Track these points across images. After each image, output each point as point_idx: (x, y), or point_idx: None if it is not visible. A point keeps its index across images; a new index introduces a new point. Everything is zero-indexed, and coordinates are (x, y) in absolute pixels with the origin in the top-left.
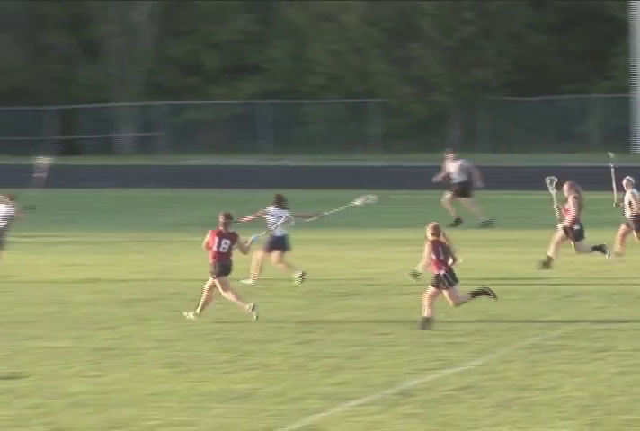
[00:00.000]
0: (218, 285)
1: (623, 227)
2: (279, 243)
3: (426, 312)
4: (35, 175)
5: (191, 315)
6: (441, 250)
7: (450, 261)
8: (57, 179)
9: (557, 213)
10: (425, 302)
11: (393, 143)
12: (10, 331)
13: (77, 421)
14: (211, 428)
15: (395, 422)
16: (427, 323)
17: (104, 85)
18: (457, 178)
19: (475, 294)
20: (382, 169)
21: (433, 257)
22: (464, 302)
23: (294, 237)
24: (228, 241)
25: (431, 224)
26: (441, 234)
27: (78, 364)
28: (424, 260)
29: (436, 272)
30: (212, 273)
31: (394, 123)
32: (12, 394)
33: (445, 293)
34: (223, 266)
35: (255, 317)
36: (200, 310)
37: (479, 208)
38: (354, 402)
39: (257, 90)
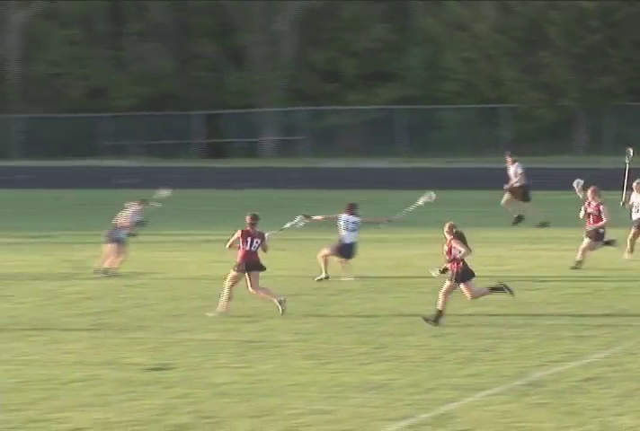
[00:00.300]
0: (249, 280)
1: (634, 230)
2: (345, 250)
3: (440, 306)
4: (151, 204)
5: (212, 314)
6: (454, 248)
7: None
8: (204, 180)
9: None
10: (441, 296)
11: (522, 146)
12: (159, 325)
13: (223, 410)
14: (349, 417)
15: (525, 411)
16: (439, 317)
17: (249, 91)
18: (516, 181)
19: (493, 289)
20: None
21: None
22: (482, 295)
23: (428, 235)
24: (259, 240)
25: (447, 224)
26: (453, 232)
27: (224, 355)
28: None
29: (452, 269)
30: (240, 270)
31: (523, 127)
32: (161, 384)
33: (462, 287)
34: (253, 263)
35: (282, 311)
36: (226, 308)
37: (536, 210)
38: (486, 392)
39: (394, 96)
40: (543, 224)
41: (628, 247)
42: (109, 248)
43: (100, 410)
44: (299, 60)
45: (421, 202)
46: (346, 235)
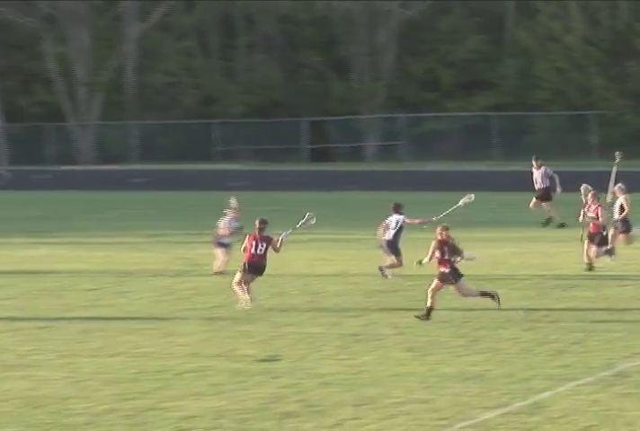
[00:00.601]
0: (242, 278)
1: (612, 230)
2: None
3: (429, 303)
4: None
5: (243, 305)
6: (447, 250)
7: (458, 259)
8: (310, 183)
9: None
10: (429, 293)
11: (609, 150)
12: (268, 319)
13: (327, 399)
14: (448, 405)
15: (612, 400)
16: (429, 313)
17: (352, 99)
18: (540, 183)
19: (483, 294)
20: (600, 174)
21: (438, 255)
22: (471, 296)
23: (516, 235)
24: (265, 244)
25: (440, 225)
26: (447, 235)
27: (329, 348)
28: (429, 256)
29: (441, 270)
30: (244, 271)
31: (611, 133)
32: (269, 375)
33: (452, 287)
34: (256, 266)
35: (245, 307)
36: (250, 300)
37: (557, 212)
38: (575, 383)
39: (489, 103)
40: (561, 225)
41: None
42: (218, 252)
43: (212, 399)
44: (399, 70)
45: (461, 203)
46: (388, 233)
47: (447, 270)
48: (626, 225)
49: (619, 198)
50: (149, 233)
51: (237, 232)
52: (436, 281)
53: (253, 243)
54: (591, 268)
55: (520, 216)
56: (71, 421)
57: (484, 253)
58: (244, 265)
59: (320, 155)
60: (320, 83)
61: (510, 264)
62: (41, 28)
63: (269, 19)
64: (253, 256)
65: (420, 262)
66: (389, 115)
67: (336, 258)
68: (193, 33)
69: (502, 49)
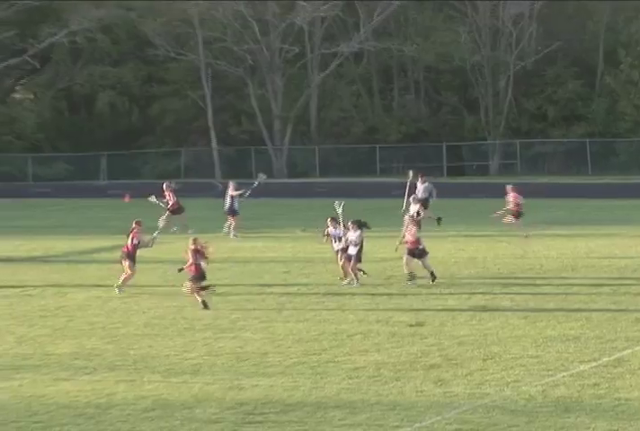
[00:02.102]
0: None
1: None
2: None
3: (406, 270)
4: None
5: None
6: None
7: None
8: (447, 192)
9: None
10: (405, 264)
11: None
12: (416, 294)
13: (462, 354)
14: (552, 360)
15: None
16: (413, 276)
17: (480, 129)
18: None
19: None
20: None
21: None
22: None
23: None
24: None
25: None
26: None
27: (463, 316)
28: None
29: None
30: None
31: None
32: (418, 336)
33: (419, 261)
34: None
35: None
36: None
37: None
38: None
39: (584, 132)
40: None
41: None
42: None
43: (374, 354)
44: (515, 106)
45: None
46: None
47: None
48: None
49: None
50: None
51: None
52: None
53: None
54: None
55: (607, 217)
56: (269, 371)
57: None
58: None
59: (456, 171)
60: (456, 117)
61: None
62: (247, 75)
63: (417, 68)
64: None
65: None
66: (508, 141)
67: (469, 248)
68: (360, 79)
69: (594, 91)
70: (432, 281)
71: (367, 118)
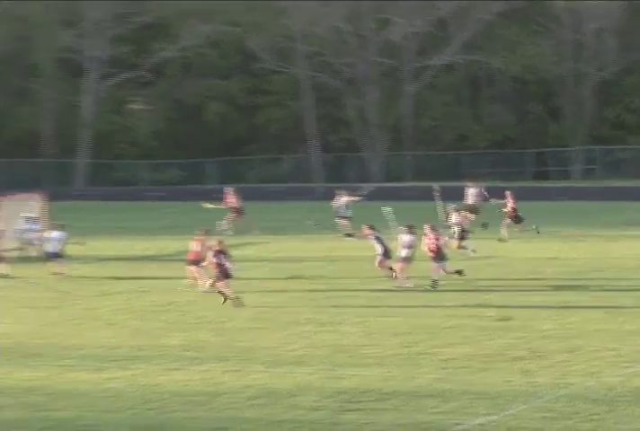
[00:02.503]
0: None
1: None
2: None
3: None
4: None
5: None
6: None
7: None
8: (533, 195)
9: None
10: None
11: None
12: (503, 291)
13: (546, 347)
14: (631, 352)
15: None
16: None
17: (563, 136)
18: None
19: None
20: None
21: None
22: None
23: None
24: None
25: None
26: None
27: (547, 311)
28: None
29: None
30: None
31: None
32: (505, 330)
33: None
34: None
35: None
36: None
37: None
38: None
39: None
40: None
41: None
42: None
43: (464, 347)
44: (596, 115)
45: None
46: None
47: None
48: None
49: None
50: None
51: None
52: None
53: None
54: None
55: None
56: (366, 362)
57: None
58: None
59: (541, 175)
60: (541, 125)
61: None
62: (344, 87)
63: (504, 79)
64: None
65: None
66: (589, 147)
67: (552, 247)
68: (451, 89)
69: None
70: (432, 287)
71: (456, 126)
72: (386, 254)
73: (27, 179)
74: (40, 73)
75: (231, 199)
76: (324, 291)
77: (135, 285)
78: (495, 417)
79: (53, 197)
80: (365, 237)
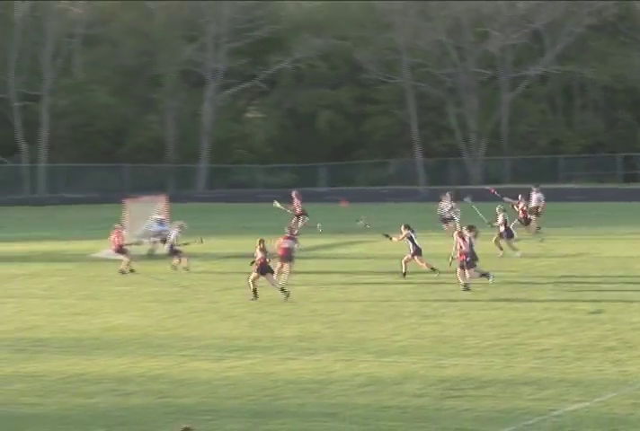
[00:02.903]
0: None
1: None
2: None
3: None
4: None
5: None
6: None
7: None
8: (625, 197)
9: None
10: (459, 275)
11: None
12: (592, 288)
13: (636, 338)
14: None
15: None
16: (467, 287)
17: None
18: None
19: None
20: None
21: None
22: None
23: None
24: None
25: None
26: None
27: (637, 305)
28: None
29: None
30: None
31: None
32: (597, 322)
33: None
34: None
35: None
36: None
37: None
38: None
39: None
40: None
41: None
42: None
43: (559, 338)
44: None
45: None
46: None
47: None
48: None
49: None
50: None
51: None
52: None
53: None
54: None
55: None
56: (466, 352)
57: None
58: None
59: (630, 178)
60: (629, 131)
61: None
62: (446, 96)
63: (595, 88)
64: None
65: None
66: None
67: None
68: (546, 98)
69: None
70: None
71: (551, 132)
72: (418, 252)
73: (152, 183)
74: (164, 84)
75: (296, 203)
76: (427, 284)
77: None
78: (588, 404)
79: (176, 199)
80: (401, 238)
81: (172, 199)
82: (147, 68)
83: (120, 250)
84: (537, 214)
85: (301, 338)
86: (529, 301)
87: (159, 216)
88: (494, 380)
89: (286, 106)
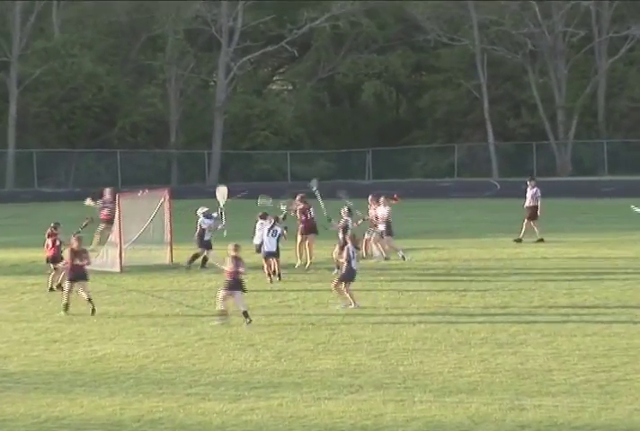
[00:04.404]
0: None
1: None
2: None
3: None
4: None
5: None
6: None
7: None
8: None
9: None
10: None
11: None
12: None
13: None
14: None
15: None
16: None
17: None
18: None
19: None
20: None
21: None
22: None
23: None
24: None
25: None
26: None
27: None
28: None
29: None
30: None
31: None
32: None
33: None
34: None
35: None
36: None
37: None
38: None
39: None
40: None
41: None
42: None
43: None
44: None
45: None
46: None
47: None
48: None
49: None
50: (616, 234)
51: None
52: None
53: None
54: None
55: None
56: (553, 390)
57: None
58: None
59: None
60: None
61: None
62: (526, 62)
63: None
64: None
65: None
66: None
67: None
68: None
69: None
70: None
71: None
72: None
73: (151, 173)
74: (166, 48)
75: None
76: (503, 305)
77: (278, 298)
78: None
79: (182, 194)
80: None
81: (176, 194)
82: (144, 27)
83: (55, 258)
84: (536, 216)
85: (341, 372)
86: (633, 323)
87: (203, 209)
88: (588, 425)
89: (321, 75)
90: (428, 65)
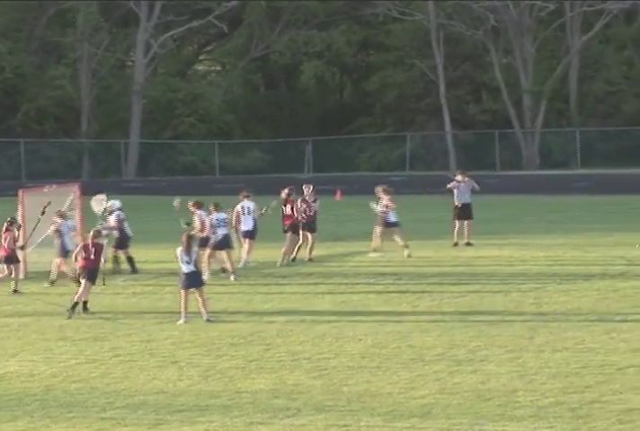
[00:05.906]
0: None
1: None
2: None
3: None
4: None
5: None
6: None
7: None
8: None
9: None
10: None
11: None
12: None
13: None
14: None
15: None
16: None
17: None
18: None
19: None
20: None
21: None
22: None
23: None
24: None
25: None
26: None
27: None
28: None
29: None
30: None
31: None
32: None
33: None
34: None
35: None
36: None
37: None
38: None
39: None
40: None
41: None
42: None
43: None
44: None
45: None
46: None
47: None
48: None
49: None
50: (589, 235)
51: None
52: None
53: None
54: None
55: None
56: (517, 413)
57: None
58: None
59: None
60: None
61: None
62: (488, 40)
63: None
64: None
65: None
66: None
67: None
68: (633, 43)
69: None
70: None
71: None
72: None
73: (59, 166)
74: (76, 22)
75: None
76: (460, 315)
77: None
78: None
79: (94, 189)
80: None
81: (87, 190)
82: None
83: (10, 257)
84: (469, 215)
85: (276, 393)
86: (610, 338)
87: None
88: None
89: (254, 54)
90: (376, 43)
